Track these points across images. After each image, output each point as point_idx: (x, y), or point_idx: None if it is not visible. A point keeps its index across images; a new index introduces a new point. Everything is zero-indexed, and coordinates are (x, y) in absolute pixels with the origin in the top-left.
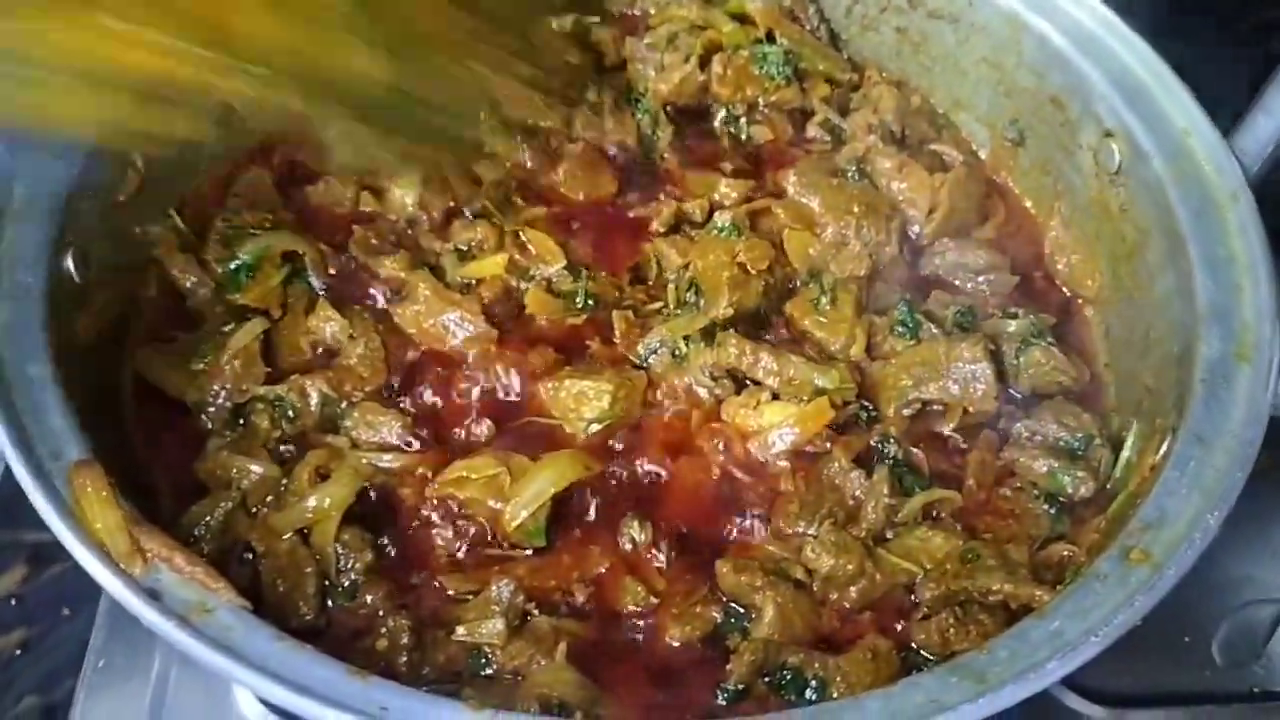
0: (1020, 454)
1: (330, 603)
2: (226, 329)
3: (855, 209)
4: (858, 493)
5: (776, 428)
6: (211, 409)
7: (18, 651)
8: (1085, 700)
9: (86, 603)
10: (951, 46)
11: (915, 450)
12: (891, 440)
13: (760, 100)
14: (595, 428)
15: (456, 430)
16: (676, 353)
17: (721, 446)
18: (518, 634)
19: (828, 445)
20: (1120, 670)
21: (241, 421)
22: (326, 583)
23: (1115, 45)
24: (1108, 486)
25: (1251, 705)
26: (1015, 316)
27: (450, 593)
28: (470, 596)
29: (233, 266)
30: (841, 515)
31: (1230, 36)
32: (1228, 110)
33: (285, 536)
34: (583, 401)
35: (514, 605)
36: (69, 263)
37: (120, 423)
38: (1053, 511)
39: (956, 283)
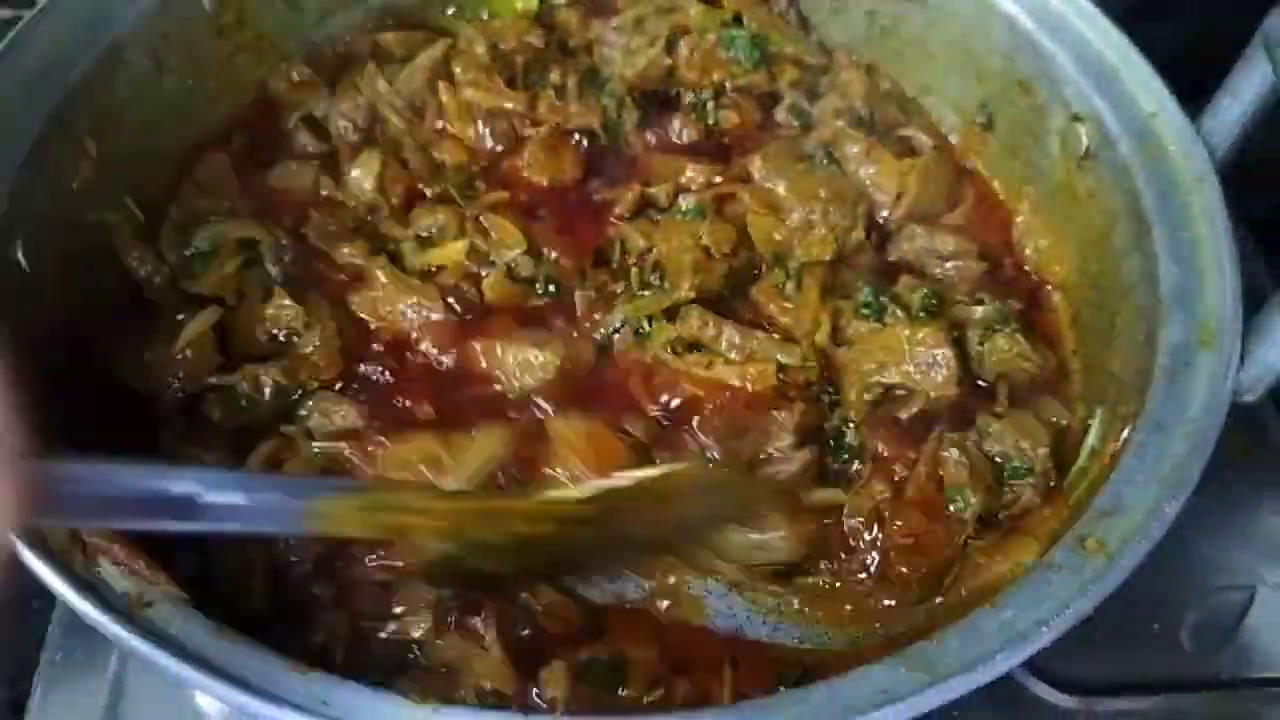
0: (955, 452)
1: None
2: (181, 318)
3: (822, 194)
4: (775, 452)
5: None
6: (165, 399)
7: None
8: (1053, 689)
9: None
10: (921, 30)
11: (875, 444)
12: (850, 424)
13: (728, 84)
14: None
15: (409, 413)
16: (640, 331)
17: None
18: (447, 630)
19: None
20: (1089, 658)
21: (191, 412)
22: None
23: (1083, 28)
24: (1063, 486)
25: (1221, 692)
26: (981, 303)
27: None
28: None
29: (188, 254)
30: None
31: (1211, 14)
32: (1210, 90)
33: None
34: (526, 369)
35: (441, 600)
36: (18, 252)
37: (76, 415)
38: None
39: (925, 268)
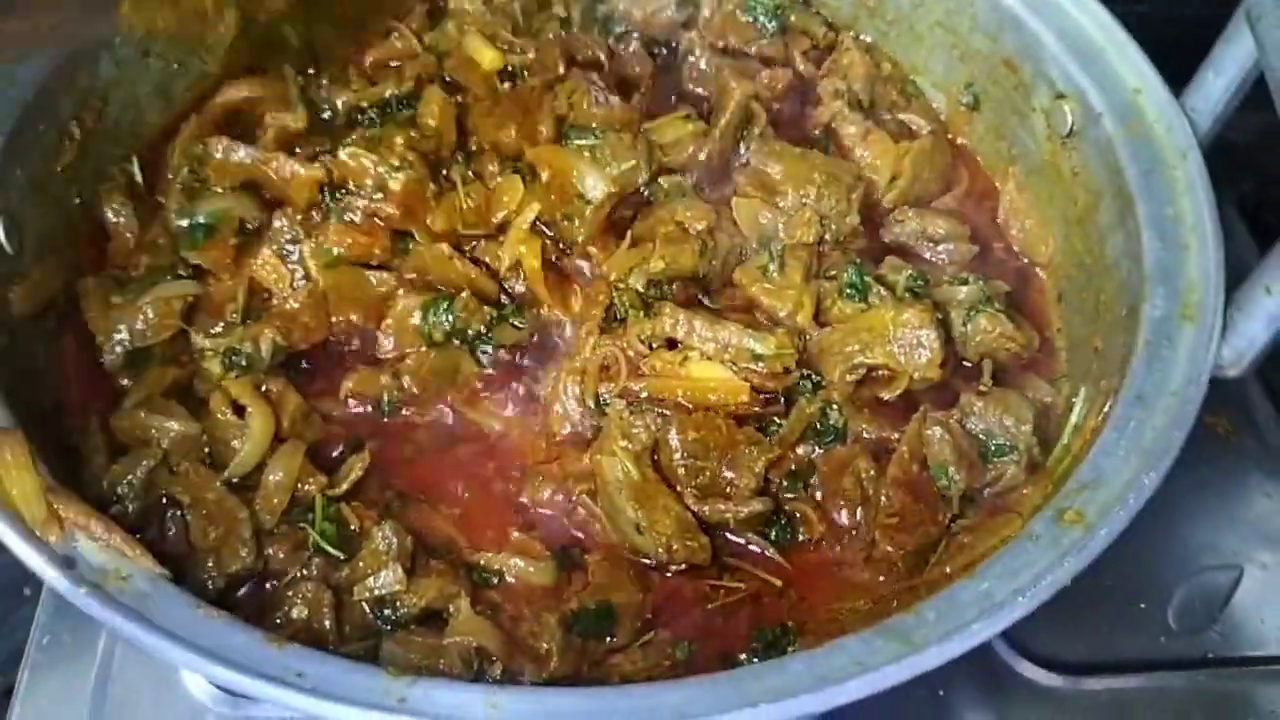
0: (939, 430)
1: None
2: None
3: (816, 177)
4: (732, 489)
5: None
6: (113, 349)
7: None
8: (1040, 669)
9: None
10: (907, 10)
11: (859, 426)
12: (834, 406)
13: (745, 49)
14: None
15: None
16: (618, 314)
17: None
18: (417, 575)
19: None
20: (1075, 637)
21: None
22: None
23: (1067, 5)
24: (1047, 463)
25: (1206, 671)
26: (966, 283)
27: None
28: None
29: (188, 223)
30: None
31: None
32: (1193, 67)
33: (213, 486)
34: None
35: (403, 548)
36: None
37: (56, 389)
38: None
39: (918, 252)
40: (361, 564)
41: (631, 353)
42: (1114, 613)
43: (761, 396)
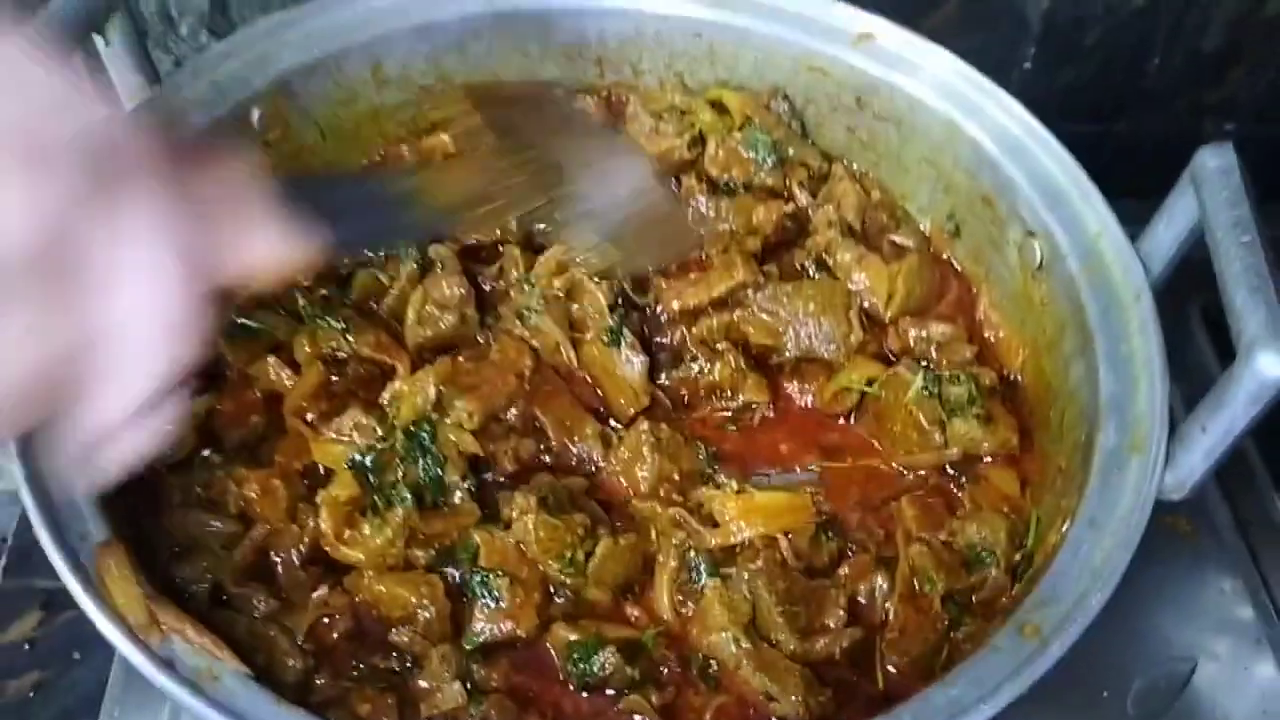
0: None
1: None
2: None
3: (811, 307)
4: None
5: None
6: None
7: (31, 694)
8: None
9: (95, 648)
10: (896, 146)
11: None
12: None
13: (741, 181)
14: None
15: None
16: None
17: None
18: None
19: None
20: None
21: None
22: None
23: (1038, 152)
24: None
25: None
26: (958, 382)
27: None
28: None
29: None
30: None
31: (1169, 116)
32: (1164, 189)
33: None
34: None
35: (458, 663)
36: None
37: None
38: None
39: (920, 354)
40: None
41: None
42: (1080, 701)
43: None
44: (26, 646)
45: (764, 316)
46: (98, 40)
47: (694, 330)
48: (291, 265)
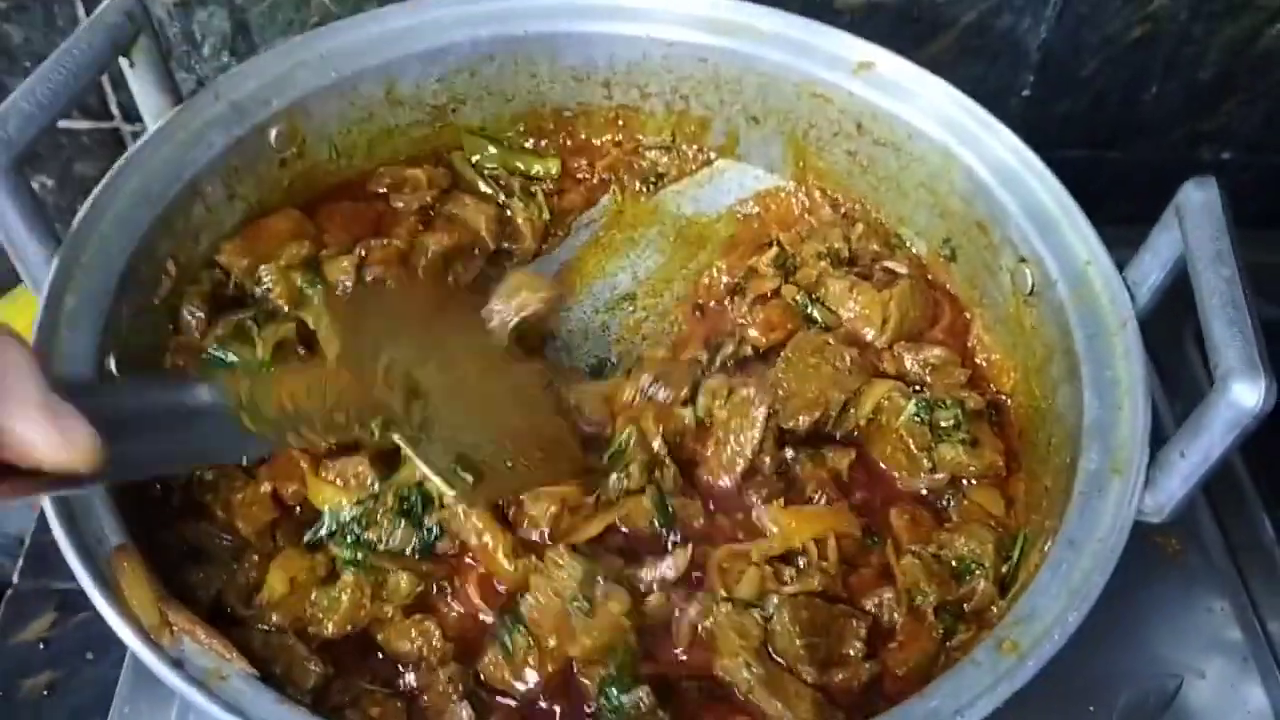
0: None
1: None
2: None
3: (811, 359)
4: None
5: None
6: None
7: (45, 693)
8: None
9: (109, 648)
10: (895, 171)
11: None
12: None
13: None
14: None
15: None
16: None
17: None
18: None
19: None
20: None
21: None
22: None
23: (1031, 180)
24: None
25: None
26: (944, 406)
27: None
28: None
29: (211, 355)
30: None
31: (1164, 145)
32: (1159, 216)
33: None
34: None
35: (465, 685)
36: (111, 364)
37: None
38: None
39: (913, 379)
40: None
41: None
42: (1067, 715)
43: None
44: (41, 646)
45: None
46: (123, 62)
47: None
48: (63, 462)
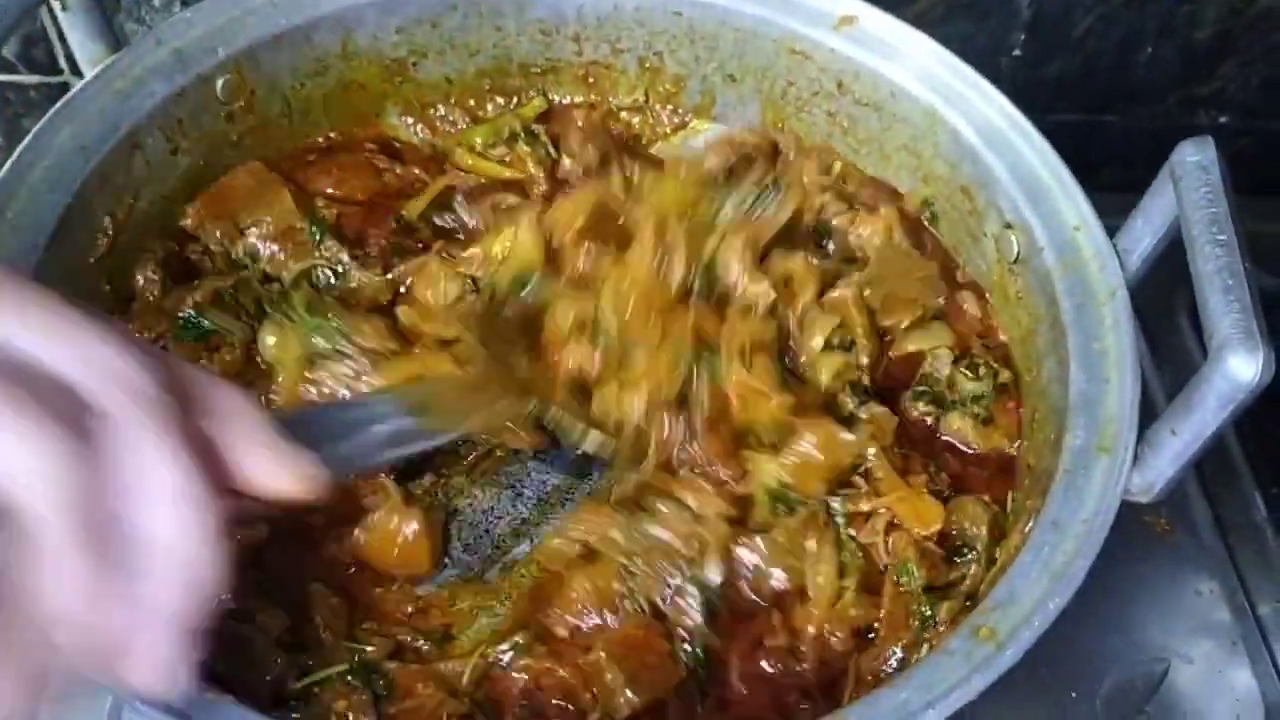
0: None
1: None
2: None
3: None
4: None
5: None
6: None
7: None
8: None
9: None
10: (876, 132)
11: None
12: None
13: None
14: None
15: None
16: None
17: None
18: None
19: None
20: None
21: None
22: None
23: (1019, 143)
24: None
25: None
26: (976, 376)
27: None
28: None
29: (185, 318)
30: None
31: (1159, 109)
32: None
33: None
34: None
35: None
36: None
37: None
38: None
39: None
40: None
41: None
42: (1048, 700)
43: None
44: None
45: None
46: (56, 6)
47: None
48: (295, 493)
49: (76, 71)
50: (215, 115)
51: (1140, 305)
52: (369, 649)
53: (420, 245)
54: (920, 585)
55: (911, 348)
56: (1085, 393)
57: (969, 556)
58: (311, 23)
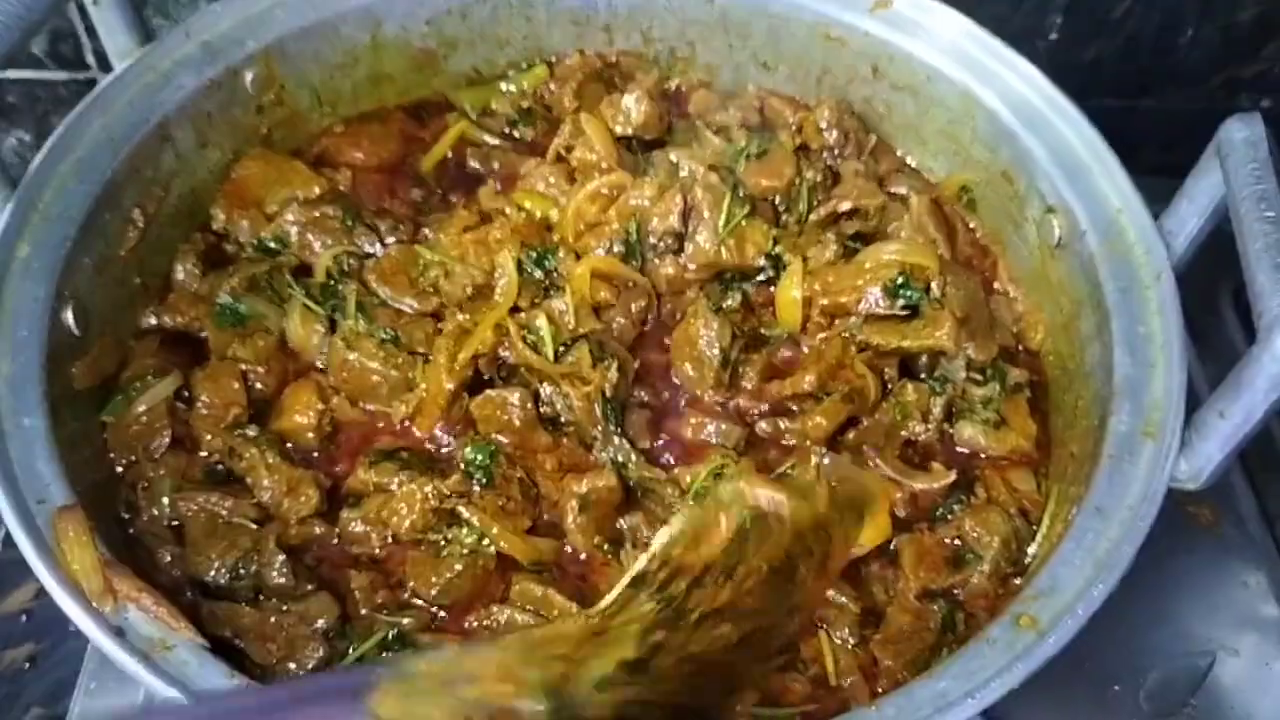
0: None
1: None
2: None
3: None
4: None
5: None
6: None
7: (26, 665)
8: None
9: None
10: (913, 117)
11: None
12: None
13: None
14: None
15: None
16: None
17: None
18: None
19: None
20: (1051, 716)
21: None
22: None
23: (1060, 124)
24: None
25: None
26: (983, 380)
27: None
28: None
29: (223, 304)
30: None
31: (1200, 93)
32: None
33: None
34: None
35: None
36: (69, 317)
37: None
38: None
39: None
40: None
41: None
42: (1090, 694)
43: None
44: (23, 618)
45: None
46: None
47: None
48: None
49: (104, 67)
50: (245, 108)
51: (1182, 295)
52: (404, 621)
53: (440, 195)
54: (916, 587)
55: None
56: (1130, 377)
57: (975, 567)
58: (340, 15)
